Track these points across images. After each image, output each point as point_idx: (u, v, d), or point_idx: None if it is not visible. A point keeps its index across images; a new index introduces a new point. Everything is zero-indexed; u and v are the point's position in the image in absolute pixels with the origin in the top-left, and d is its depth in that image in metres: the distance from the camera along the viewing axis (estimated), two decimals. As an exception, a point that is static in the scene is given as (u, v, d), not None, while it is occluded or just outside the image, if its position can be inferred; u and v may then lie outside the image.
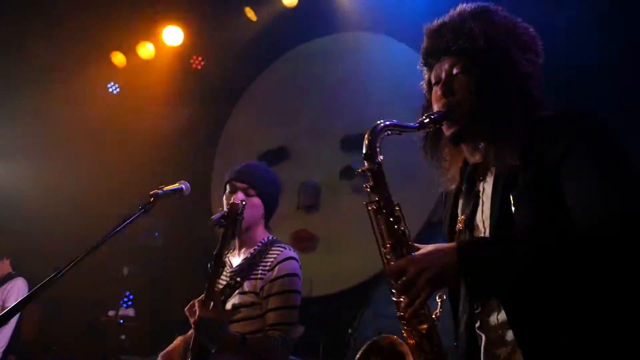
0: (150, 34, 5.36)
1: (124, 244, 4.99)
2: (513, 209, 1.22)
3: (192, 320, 1.86)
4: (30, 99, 5.12)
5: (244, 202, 2.01)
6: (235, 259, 2.20)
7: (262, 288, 2.04)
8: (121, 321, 4.78)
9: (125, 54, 5.49)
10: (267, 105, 5.55)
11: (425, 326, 1.28)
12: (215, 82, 5.56)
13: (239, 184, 2.17)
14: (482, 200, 1.34)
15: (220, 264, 1.94)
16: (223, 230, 1.95)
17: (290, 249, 2.14)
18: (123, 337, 4.73)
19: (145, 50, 5.41)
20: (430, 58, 1.40)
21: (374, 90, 4.83)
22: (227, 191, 2.18)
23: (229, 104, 5.78)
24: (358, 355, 1.53)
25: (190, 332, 2.02)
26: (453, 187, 1.44)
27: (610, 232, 1.11)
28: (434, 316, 1.31)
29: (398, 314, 1.30)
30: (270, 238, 2.19)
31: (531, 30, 1.38)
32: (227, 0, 5.15)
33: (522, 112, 1.29)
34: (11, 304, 4.27)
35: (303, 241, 4.76)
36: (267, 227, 2.24)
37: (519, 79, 1.30)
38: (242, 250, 2.20)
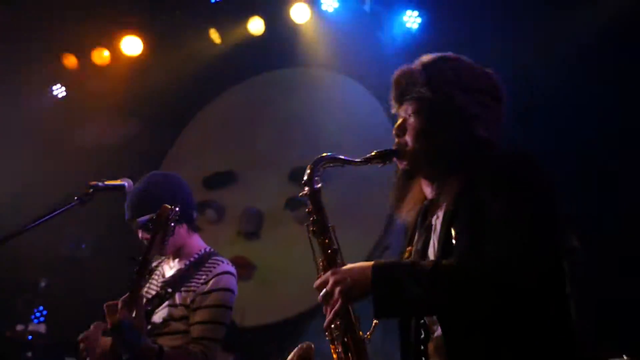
0: (108, 40, 5.23)
1: (46, 253, 4.67)
2: (454, 241, 1.32)
3: (109, 320, 1.75)
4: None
5: (176, 208, 1.88)
6: (169, 269, 2.09)
7: (192, 301, 1.95)
8: (30, 337, 4.38)
9: (77, 57, 5.31)
10: (220, 128, 5.50)
11: (347, 340, 1.37)
12: (169, 99, 5.45)
13: (133, 224, 2.02)
14: (433, 235, 1.44)
15: (145, 268, 1.84)
16: (150, 235, 1.85)
17: (228, 263, 2.06)
18: (29, 354, 4.33)
19: (100, 56, 5.25)
20: (395, 103, 1.53)
21: (328, 126, 4.91)
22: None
23: (180, 123, 5.68)
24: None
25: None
26: (410, 220, 1.54)
27: (489, 271, 1.23)
28: (366, 335, 1.40)
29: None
30: (207, 250, 2.10)
31: (491, 75, 1.49)
32: (193, 18, 5.14)
33: (463, 152, 1.38)
34: None
35: (240, 268, 4.58)
36: (194, 229, 2.13)
37: (462, 122, 1.39)
38: (177, 260, 2.09)
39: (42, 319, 4.84)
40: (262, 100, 5.36)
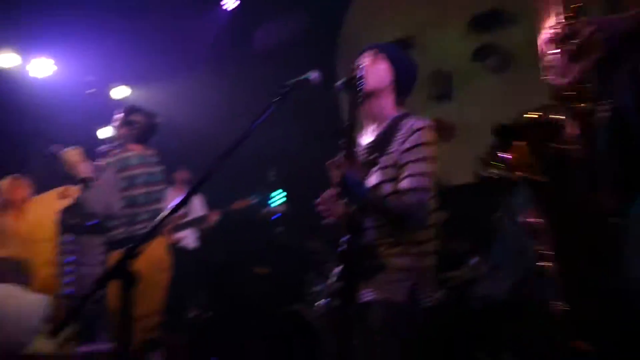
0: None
1: (272, 148, 5.25)
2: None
3: (333, 175, 1.87)
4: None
5: (365, 63, 1.94)
6: (365, 138, 2.19)
7: (396, 161, 1.98)
8: (276, 216, 5.20)
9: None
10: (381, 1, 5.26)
11: (585, 105, 1.17)
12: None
13: (367, 51, 2.12)
14: None
15: (352, 131, 1.90)
16: (349, 96, 1.91)
17: (424, 119, 2.04)
18: (280, 228, 5.17)
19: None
20: None
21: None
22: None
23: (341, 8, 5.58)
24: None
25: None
26: None
27: None
28: None
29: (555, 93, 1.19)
30: (401, 113, 2.10)
31: None
32: None
33: None
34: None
35: (438, 131, 4.60)
36: (399, 105, 2.14)
37: None
38: (372, 128, 2.15)
39: (281, 201, 5.59)
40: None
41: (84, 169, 3.25)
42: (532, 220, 1.22)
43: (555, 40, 1.18)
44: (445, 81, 4.85)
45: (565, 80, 1.16)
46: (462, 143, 4.60)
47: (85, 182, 3.25)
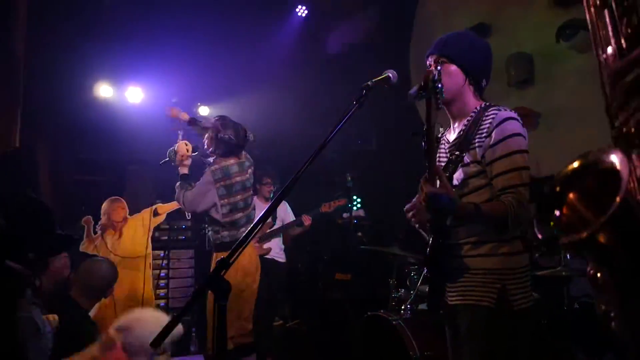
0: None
1: (346, 148, 5.23)
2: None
3: (419, 199, 1.83)
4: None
5: (438, 68, 1.83)
6: (451, 135, 2.11)
7: (483, 156, 1.91)
8: (355, 221, 5.21)
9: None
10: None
11: None
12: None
13: (430, 58, 2.08)
14: None
15: (432, 138, 1.81)
16: (425, 103, 1.81)
17: (507, 109, 1.94)
18: (359, 234, 5.17)
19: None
20: None
21: None
22: None
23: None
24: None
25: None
26: None
27: None
28: None
29: None
30: (483, 105, 2.01)
31: None
32: None
33: None
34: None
35: (523, 118, 4.35)
36: (481, 99, 2.05)
37: None
38: (456, 124, 2.09)
39: (358, 205, 5.62)
40: None
41: (187, 164, 3.56)
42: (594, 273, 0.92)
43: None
44: (526, 65, 4.56)
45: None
46: (548, 130, 4.30)
47: (184, 179, 3.53)
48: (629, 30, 0.91)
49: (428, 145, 1.79)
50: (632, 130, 0.87)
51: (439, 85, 1.77)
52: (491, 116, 1.92)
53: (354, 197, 5.42)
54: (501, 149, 1.85)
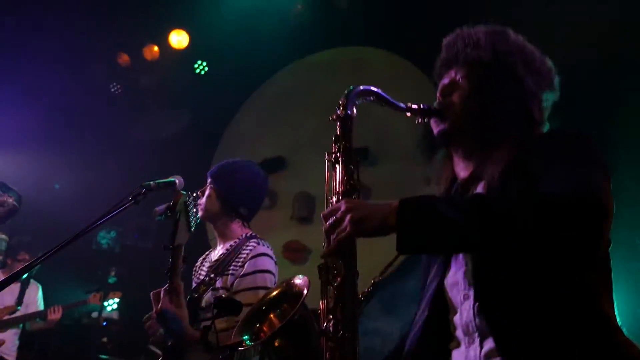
0: (156, 36, 5.38)
1: (114, 244, 4.92)
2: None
3: (154, 308, 1.83)
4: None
5: (193, 194, 1.93)
6: (215, 255, 2.16)
7: (232, 284, 1.99)
8: (104, 323, 4.69)
9: (129, 54, 5.51)
10: (269, 114, 5.54)
11: (339, 280, 1.17)
12: (218, 89, 5.55)
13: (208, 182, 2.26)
14: None
15: (177, 255, 1.85)
16: (173, 224, 1.87)
17: (264, 245, 2.08)
18: (105, 339, 4.63)
19: (150, 51, 5.41)
20: (443, 68, 1.42)
21: (376, 106, 4.81)
22: None
23: (230, 111, 5.78)
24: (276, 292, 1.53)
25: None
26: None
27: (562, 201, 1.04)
28: (361, 293, 1.26)
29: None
30: (248, 234, 2.14)
31: (547, 61, 1.38)
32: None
33: (516, 127, 1.28)
34: None
35: (295, 252, 4.70)
36: (245, 225, 2.20)
37: (520, 96, 1.30)
38: (221, 246, 2.18)
39: (115, 306, 5.13)
40: (307, 84, 5.33)
41: None
42: None
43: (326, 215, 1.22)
44: (309, 204, 5.05)
45: (326, 247, 1.18)
46: (313, 267, 4.71)
47: None
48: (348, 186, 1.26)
49: (172, 263, 1.83)
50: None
51: (194, 210, 1.86)
52: (250, 248, 2.05)
53: (115, 297, 4.93)
54: (248, 281, 1.97)
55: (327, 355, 1.16)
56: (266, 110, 5.56)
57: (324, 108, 5.83)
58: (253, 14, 4.97)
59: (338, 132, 1.30)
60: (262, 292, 1.94)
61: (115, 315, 4.80)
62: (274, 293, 1.49)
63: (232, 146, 5.63)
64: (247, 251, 2.03)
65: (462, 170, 1.35)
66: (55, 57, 5.18)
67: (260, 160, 5.15)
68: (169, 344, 1.86)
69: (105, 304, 4.69)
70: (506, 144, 1.25)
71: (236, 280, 1.98)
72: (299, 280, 1.42)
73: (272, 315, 1.44)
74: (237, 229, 2.16)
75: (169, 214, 1.84)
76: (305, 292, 1.37)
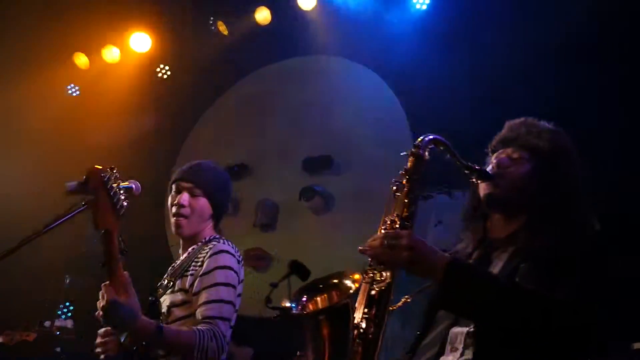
0: (117, 38, 5.25)
1: (68, 251, 4.77)
2: (517, 278, 1.39)
3: (100, 305, 1.66)
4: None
5: (114, 169, 1.68)
6: (178, 262, 2.10)
7: (191, 285, 1.89)
8: (57, 332, 4.51)
9: (88, 56, 5.35)
10: (232, 121, 5.51)
11: (382, 287, 1.36)
12: (180, 94, 5.47)
13: (184, 184, 2.04)
14: (490, 268, 1.51)
15: (108, 242, 1.62)
16: (92, 206, 1.63)
17: (227, 243, 1.98)
18: (58, 349, 4.45)
19: (110, 54, 5.28)
20: (500, 144, 1.61)
21: (340, 114, 4.88)
22: (172, 191, 2.07)
23: (193, 117, 5.70)
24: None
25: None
26: (465, 250, 1.60)
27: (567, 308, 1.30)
28: (399, 302, 1.44)
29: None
30: (212, 236, 2.05)
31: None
32: (199, 12, 5.11)
33: (559, 210, 1.47)
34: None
35: (257, 260, 4.68)
36: (216, 230, 2.10)
37: (567, 192, 1.50)
38: (188, 248, 2.08)
39: (68, 314, 4.96)
40: (273, 91, 5.34)
41: None
42: None
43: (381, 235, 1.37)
44: (272, 212, 5.04)
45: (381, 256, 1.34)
46: (278, 274, 4.69)
47: None
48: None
49: (104, 252, 1.62)
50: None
51: (118, 189, 1.63)
52: (210, 246, 1.96)
53: (66, 303, 4.76)
54: (209, 279, 1.88)
55: (354, 345, 1.35)
56: (229, 118, 5.53)
57: (287, 116, 5.94)
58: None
59: (409, 166, 1.47)
60: (223, 289, 1.86)
61: (69, 324, 4.62)
62: (334, 280, 1.57)
63: (195, 153, 5.55)
64: (206, 250, 1.96)
65: (500, 229, 1.55)
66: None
67: (224, 167, 5.11)
68: (134, 348, 1.72)
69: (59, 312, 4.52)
70: (548, 223, 1.45)
71: (196, 281, 1.89)
72: (356, 276, 1.51)
73: (319, 297, 1.54)
74: (207, 231, 2.08)
75: (83, 193, 1.61)
76: (354, 287, 1.47)
